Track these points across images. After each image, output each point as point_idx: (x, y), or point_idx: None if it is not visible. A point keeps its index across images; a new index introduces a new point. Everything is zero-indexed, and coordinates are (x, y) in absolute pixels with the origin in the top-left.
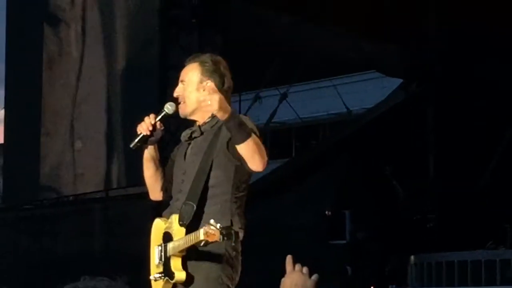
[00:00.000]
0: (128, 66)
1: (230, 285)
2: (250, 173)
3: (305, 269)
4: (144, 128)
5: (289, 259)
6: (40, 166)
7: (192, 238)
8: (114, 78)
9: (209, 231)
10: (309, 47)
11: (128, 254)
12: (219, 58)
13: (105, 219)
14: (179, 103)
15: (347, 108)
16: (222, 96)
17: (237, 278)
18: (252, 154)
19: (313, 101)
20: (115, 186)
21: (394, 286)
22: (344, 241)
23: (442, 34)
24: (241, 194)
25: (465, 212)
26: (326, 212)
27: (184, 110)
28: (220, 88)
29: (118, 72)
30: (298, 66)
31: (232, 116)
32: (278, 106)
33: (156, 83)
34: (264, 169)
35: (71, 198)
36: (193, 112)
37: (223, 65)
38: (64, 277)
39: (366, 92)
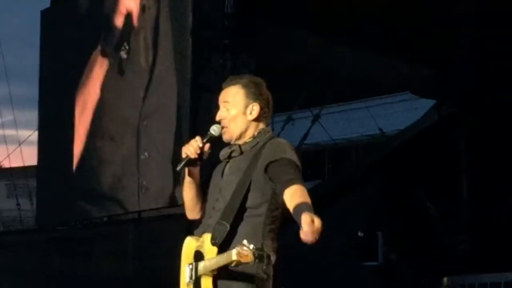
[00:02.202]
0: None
1: None
2: None
3: None
4: (191, 151)
5: None
6: (101, 174)
7: (224, 258)
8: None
9: (242, 252)
10: (342, 68)
11: (161, 276)
12: (259, 79)
13: (138, 240)
14: (222, 127)
15: (380, 129)
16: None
17: None
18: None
19: (346, 122)
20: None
21: None
22: (376, 263)
23: (475, 56)
24: (275, 218)
25: (498, 233)
26: (359, 233)
27: (229, 134)
28: (266, 110)
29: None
30: (330, 87)
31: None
32: (310, 127)
33: (188, 105)
34: None
35: (105, 219)
36: (239, 137)
37: (264, 86)
38: None
39: (398, 113)
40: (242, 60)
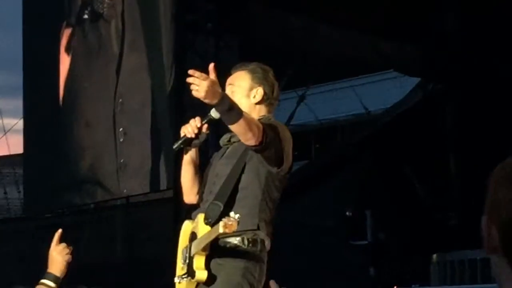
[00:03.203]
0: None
1: None
2: (284, 181)
3: None
4: (189, 130)
5: (272, 282)
6: (81, 158)
7: (212, 233)
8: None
9: (228, 223)
10: (326, 48)
11: (149, 260)
12: (267, 67)
13: (126, 225)
14: None
15: (366, 109)
16: (211, 83)
17: (260, 287)
18: (244, 132)
19: (332, 102)
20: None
21: (416, 285)
22: (365, 242)
23: (460, 32)
24: (271, 201)
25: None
26: (347, 213)
27: None
28: (270, 95)
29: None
30: (315, 68)
31: (221, 100)
32: (296, 108)
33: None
34: (259, 142)
35: (92, 205)
36: None
37: (272, 74)
38: (86, 285)
39: (384, 92)
40: (226, 42)
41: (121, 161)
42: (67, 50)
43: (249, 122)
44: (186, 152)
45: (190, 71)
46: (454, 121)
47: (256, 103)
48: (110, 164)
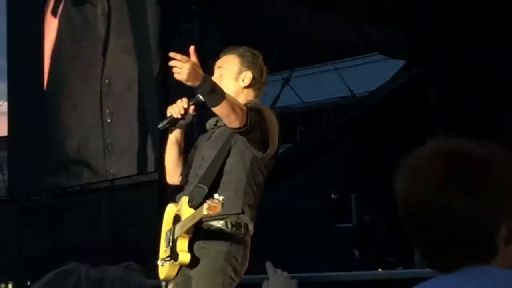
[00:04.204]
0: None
1: (234, 277)
2: (269, 166)
3: (285, 273)
4: (175, 110)
5: (269, 264)
6: (67, 140)
7: (196, 215)
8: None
9: (211, 204)
10: (310, 31)
11: (134, 243)
12: (257, 51)
13: (111, 208)
14: None
15: (351, 91)
16: (193, 65)
17: (243, 271)
18: (227, 114)
19: (316, 85)
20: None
21: (401, 268)
22: (350, 224)
23: (444, 15)
24: (256, 186)
25: None
26: (332, 196)
27: None
28: (259, 80)
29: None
30: (300, 51)
31: (203, 82)
32: (281, 91)
33: (157, 68)
34: (243, 124)
35: (77, 188)
36: None
37: (261, 59)
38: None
39: (369, 74)
40: (211, 26)
41: (108, 141)
42: (54, 13)
43: (232, 104)
44: (171, 132)
45: (171, 54)
46: (437, 104)
47: (245, 87)
48: (97, 145)
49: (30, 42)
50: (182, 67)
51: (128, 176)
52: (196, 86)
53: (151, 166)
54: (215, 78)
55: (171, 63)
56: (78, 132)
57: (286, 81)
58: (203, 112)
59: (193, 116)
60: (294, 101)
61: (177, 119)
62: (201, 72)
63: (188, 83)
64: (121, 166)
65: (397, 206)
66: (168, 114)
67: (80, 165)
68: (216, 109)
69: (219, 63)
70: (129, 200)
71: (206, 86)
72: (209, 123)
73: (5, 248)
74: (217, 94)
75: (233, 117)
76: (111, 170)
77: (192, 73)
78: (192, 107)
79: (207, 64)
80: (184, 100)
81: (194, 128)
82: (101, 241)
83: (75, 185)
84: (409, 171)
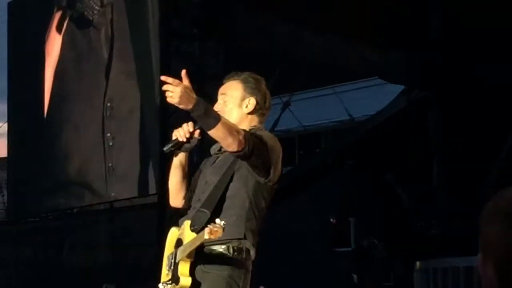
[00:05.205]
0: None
1: None
2: (272, 192)
3: None
4: (181, 134)
5: None
6: (69, 162)
7: (198, 239)
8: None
9: (213, 229)
10: (311, 55)
11: (133, 265)
12: (260, 77)
13: (110, 230)
14: None
15: (350, 115)
16: (184, 88)
17: None
18: (224, 137)
19: (316, 109)
20: (153, 191)
21: None
22: (349, 249)
23: (444, 40)
24: (258, 211)
25: (470, 217)
26: (331, 220)
27: None
28: (262, 105)
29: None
30: (300, 75)
31: (196, 105)
32: (280, 114)
33: (158, 93)
34: (241, 148)
35: (75, 210)
36: None
37: (264, 84)
38: None
39: (368, 99)
40: (211, 48)
41: (110, 165)
42: (58, 29)
43: (228, 127)
44: (176, 155)
45: (163, 78)
46: (437, 128)
47: (248, 113)
48: (99, 168)
49: (31, 64)
50: (174, 91)
51: (128, 198)
52: (189, 109)
53: (152, 188)
54: (218, 104)
55: (164, 87)
56: (80, 154)
57: (286, 104)
58: (202, 136)
59: (198, 140)
60: (294, 125)
61: (182, 143)
62: (194, 95)
63: (181, 106)
64: (122, 189)
65: (488, 249)
66: (174, 137)
67: (81, 187)
68: (211, 132)
69: (222, 89)
70: (129, 222)
71: (200, 109)
72: (213, 148)
73: (3, 268)
74: (211, 117)
75: (230, 140)
76: (112, 194)
77: (184, 96)
78: (197, 131)
79: (207, 86)
80: (190, 124)
81: (194, 153)
82: (100, 262)
83: (74, 207)
84: (504, 217)
